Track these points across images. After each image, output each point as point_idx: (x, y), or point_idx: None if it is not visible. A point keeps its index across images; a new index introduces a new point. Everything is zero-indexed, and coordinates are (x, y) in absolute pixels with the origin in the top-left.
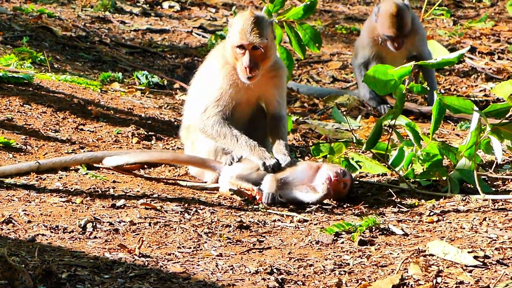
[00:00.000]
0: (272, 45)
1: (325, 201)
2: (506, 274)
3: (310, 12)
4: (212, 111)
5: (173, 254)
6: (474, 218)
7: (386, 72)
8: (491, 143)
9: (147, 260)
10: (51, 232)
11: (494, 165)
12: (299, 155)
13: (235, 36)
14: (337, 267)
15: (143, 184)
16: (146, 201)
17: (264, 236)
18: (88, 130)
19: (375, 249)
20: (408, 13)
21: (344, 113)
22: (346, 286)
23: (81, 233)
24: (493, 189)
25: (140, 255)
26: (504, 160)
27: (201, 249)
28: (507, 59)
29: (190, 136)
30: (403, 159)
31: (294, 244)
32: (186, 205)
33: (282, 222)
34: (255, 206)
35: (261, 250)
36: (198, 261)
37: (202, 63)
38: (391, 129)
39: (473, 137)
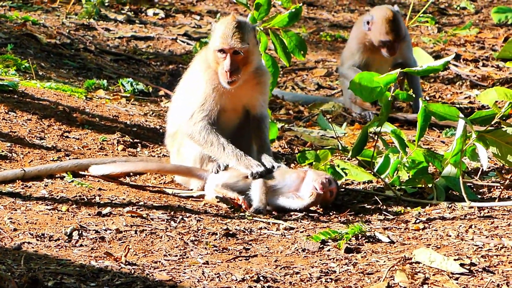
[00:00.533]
0: (255, 50)
1: (311, 208)
2: (492, 282)
3: (295, 20)
4: (198, 116)
5: (160, 262)
6: (460, 226)
7: (372, 79)
8: (477, 150)
9: (133, 268)
10: (37, 240)
11: (479, 172)
12: (285, 163)
13: (217, 40)
14: (324, 274)
15: (129, 192)
16: (132, 208)
17: (250, 244)
18: (73, 138)
19: (361, 257)
20: (401, 18)
21: (330, 120)
22: None
23: (67, 241)
24: (479, 196)
25: (126, 263)
26: (489, 167)
27: (187, 257)
28: (492, 66)
29: (176, 143)
30: (388, 166)
31: (281, 252)
32: (172, 213)
33: (268, 229)
34: (241, 214)
35: (248, 258)
36: (185, 269)
37: (186, 70)
38: (376, 136)
39: (458, 144)
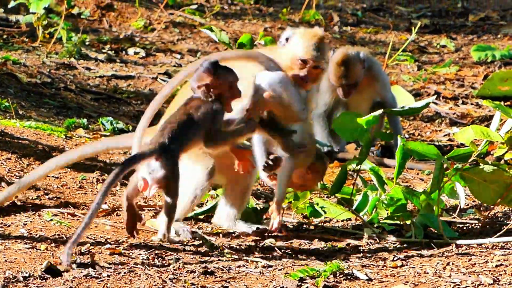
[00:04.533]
0: None
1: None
2: None
3: None
4: None
5: None
6: (438, 263)
7: (354, 119)
8: (455, 188)
9: None
10: (15, 279)
11: (458, 210)
12: (264, 201)
13: None
14: None
15: (108, 230)
16: (111, 246)
17: (228, 282)
18: (52, 176)
19: None
20: (356, 63)
21: None
22: None
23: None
24: (457, 233)
25: None
26: (468, 204)
27: None
28: (471, 104)
29: None
30: (367, 203)
31: None
32: (151, 250)
33: (246, 267)
34: (220, 252)
35: None
36: None
37: None
38: (356, 174)
39: (436, 182)
